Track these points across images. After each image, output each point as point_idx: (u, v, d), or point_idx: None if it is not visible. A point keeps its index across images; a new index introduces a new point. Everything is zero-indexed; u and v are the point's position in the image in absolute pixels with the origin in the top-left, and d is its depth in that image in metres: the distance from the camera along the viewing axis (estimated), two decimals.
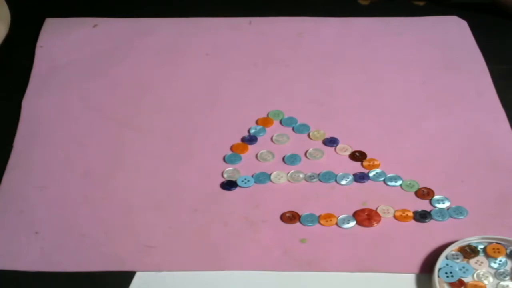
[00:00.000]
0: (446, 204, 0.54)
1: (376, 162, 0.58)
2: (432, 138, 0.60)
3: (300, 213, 0.53)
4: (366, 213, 0.53)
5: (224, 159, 0.58)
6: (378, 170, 0.57)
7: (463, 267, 0.49)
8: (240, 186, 0.56)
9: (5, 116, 0.62)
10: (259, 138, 0.60)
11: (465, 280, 0.48)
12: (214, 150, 0.59)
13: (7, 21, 0.70)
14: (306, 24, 0.73)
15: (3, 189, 0.56)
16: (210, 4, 0.76)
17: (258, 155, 0.59)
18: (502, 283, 0.48)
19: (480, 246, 0.50)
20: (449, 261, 0.49)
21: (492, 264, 0.49)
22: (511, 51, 0.70)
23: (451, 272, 0.48)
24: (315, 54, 0.70)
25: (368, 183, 0.56)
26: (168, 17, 0.74)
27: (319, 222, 0.53)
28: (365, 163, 0.58)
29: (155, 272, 0.50)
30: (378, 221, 0.53)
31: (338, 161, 0.58)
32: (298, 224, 0.53)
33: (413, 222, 0.53)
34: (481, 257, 0.50)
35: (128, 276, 0.49)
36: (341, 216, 0.53)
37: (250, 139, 0.60)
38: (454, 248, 0.50)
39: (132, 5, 0.76)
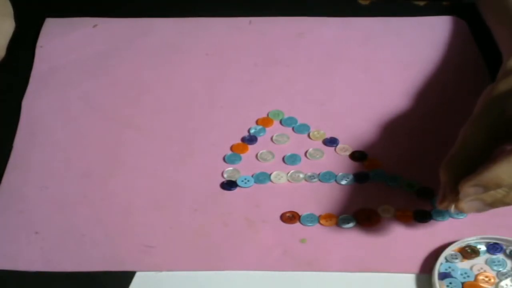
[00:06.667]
0: None
1: (376, 162, 0.58)
2: (432, 138, 0.60)
3: (300, 213, 0.53)
4: (366, 213, 0.53)
5: (224, 159, 0.58)
6: (378, 170, 0.57)
7: (465, 273, 0.49)
8: (240, 186, 0.56)
9: (5, 116, 0.62)
10: (259, 138, 0.60)
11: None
12: (214, 150, 0.59)
13: (12, 17, 0.70)
14: (306, 24, 0.73)
15: (3, 189, 0.56)
16: (210, 4, 0.76)
17: (258, 155, 0.59)
18: (502, 283, 0.48)
19: (479, 246, 0.51)
20: (451, 265, 0.49)
21: (494, 268, 0.49)
22: None
23: (452, 277, 0.48)
24: (315, 54, 0.70)
25: (368, 183, 0.56)
26: (168, 17, 0.74)
27: (319, 222, 0.53)
28: (365, 163, 0.58)
29: (155, 272, 0.50)
30: (378, 221, 0.53)
31: (338, 161, 0.58)
32: (298, 224, 0.53)
33: (413, 222, 0.53)
34: (483, 265, 0.50)
35: (128, 276, 0.49)
36: (341, 216, 0.53)
37: (250, 139, 0.60)
38: (453, 249, 0.50)
39: (132, 5, 0.76)
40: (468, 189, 0.45)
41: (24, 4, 0.73)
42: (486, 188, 0.44)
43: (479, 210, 0.46)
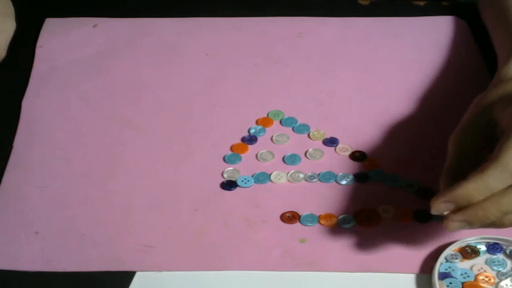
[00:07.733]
0: None
1: (376, 162, 0.58)
2: (432, 138, 0.60)
3: (300, 213, 0.53)
4: (366, 213, 0.53)
5: (224, 159, 0.58)
6: (378, 170, 0.57)
7: (465, 273, 0.49)
8: (240, 186, 0.56)
9: (5, 116, 0.62)
10: (259, 138, 0.60)
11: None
12: (214, 150, 0.59)
13: (13, 18, 0.70)
14: (306, 24, 0.73)
15: (3, 189, 0.56)
16: (210, 4, 0.76)
17: (258, 155, 0.59)
18: (502, 283, 0.48)
19: (479, 246, 0.51)
20: (451, 265, 0.49)
21: (494, 268, 0.49)
22: None
23: (452, 277, 0.48)
24: (315, 54, 0.70)
25: (368, 183, 0.56)
26: (168, 17, 0.74)
27: (319, 222, 0.53)
28: (365, 163, 0.58)
29: (155, 272, 0.50)
30: (378, 221, 0.53)
31: (338, 161, 0.58)
32: (298, 224, 0.53)
33: (413, 222, 0.53)
34: (483, 265, 0.50)
35: (128, 276, 0.49)
36: (341, 216, 0.53)
37: (250, 139, 0.60)
38: (453, 249, 0.50)
39: (132, 5, 0.76)
40: (438, 205, 0.44)
41: (24, 4, 0.73)
42: (457, 204, 0.44)
43: (463, 228, 0.45)
